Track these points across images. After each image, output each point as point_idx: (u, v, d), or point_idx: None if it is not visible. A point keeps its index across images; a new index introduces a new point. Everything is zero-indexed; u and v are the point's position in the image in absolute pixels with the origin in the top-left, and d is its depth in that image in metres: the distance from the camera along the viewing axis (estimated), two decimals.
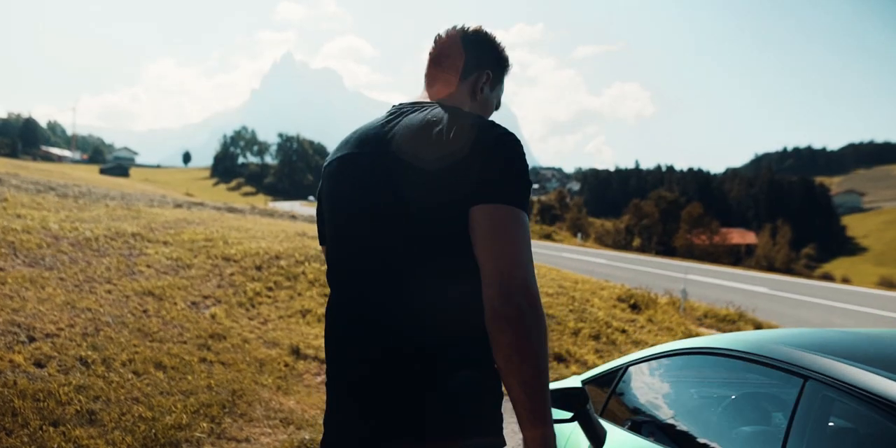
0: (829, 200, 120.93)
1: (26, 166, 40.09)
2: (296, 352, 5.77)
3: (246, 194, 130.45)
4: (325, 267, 8.31)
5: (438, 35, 1.58)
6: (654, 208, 71.76)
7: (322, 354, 5.90)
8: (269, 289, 7.30)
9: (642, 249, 59.50)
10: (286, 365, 5.47)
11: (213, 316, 6.07)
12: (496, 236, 1.24)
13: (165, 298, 6.16)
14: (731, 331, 9.25)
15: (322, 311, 6.91)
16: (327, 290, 6.94)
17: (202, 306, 6.32)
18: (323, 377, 5.59)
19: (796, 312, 11.99)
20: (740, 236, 79.18)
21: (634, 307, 9.15)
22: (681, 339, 8.52)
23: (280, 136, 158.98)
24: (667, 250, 60.67)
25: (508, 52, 1.64)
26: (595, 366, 7.09)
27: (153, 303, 5.97)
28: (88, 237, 7.55)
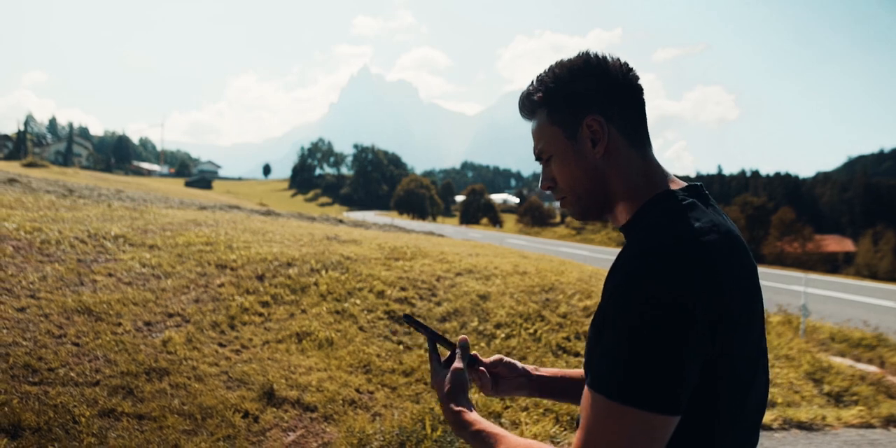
0: None
1: (106, 178, 40.10)
2: (268, 394, 4.13)
3: (322, 205, 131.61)
4: (343, 276, 6.60)
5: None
6: (740, 214, 67.40)
7: (309, 397, 4.25)
8: (264, 304, 5.71)
9: None
10: (246, 415, 3.83)
11: (164, 342, 4.50)
12: None
13: (106, 318, 4.64)
14: (869, 359, 7.09)
15: (328, 332, 5.27)
16: (339, 307, 5.18)
17: (158, 328, 4.76)
18: (299, 432, 3.93)
19: None
20: (837, 243, 73.75)
21: None
22: (806, 370, 6.44)
23: (355, 146, 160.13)
24: (754, 258, 56.67)
25: None
26: None
27: (84, 324, 4.45)
28: (47, 239, 6.15)
